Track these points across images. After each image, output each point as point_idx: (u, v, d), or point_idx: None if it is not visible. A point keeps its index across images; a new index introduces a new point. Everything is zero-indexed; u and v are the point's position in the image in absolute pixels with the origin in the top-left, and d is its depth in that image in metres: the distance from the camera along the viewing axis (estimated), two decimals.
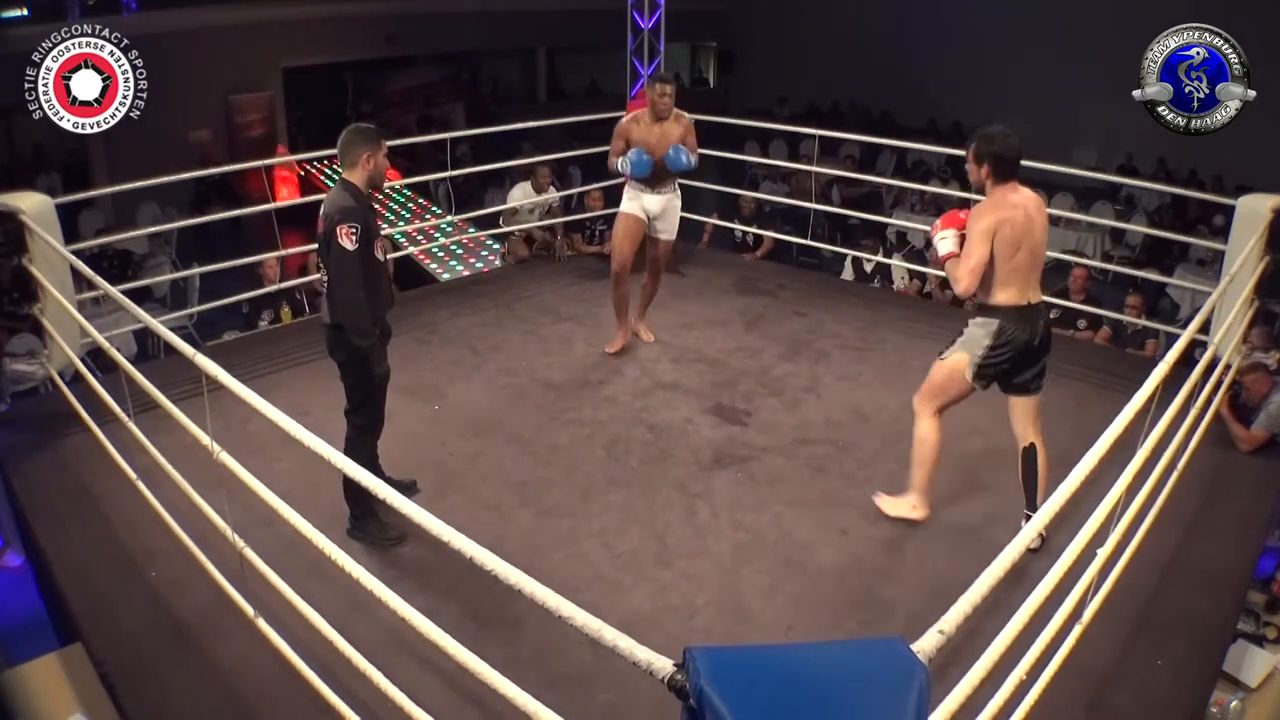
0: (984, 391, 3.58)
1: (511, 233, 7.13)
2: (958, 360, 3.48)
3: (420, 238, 10.22)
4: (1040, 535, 3.25)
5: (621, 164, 4.86)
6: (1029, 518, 3.12)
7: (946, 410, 3.60)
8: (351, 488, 3.41)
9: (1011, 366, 3.44)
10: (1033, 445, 3.57)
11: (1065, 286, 6.32)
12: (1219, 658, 3.22)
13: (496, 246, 8.96)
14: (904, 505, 3.70)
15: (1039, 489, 3.52)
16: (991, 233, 3.25)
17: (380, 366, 3.48)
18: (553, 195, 7.03)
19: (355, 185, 3.39)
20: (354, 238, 3.28)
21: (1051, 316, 6.13)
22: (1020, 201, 3.30)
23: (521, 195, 6.95)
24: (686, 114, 5.02)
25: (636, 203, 5.03)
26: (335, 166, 3.82)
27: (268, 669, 2.83)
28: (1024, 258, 3.31)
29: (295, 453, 2.51)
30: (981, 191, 3.38)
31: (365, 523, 3.51)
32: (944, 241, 3.42)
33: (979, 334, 3.42)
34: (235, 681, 2.88)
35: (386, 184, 3.60)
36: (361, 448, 3.50)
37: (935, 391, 3.58)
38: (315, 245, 3.51)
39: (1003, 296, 3.36)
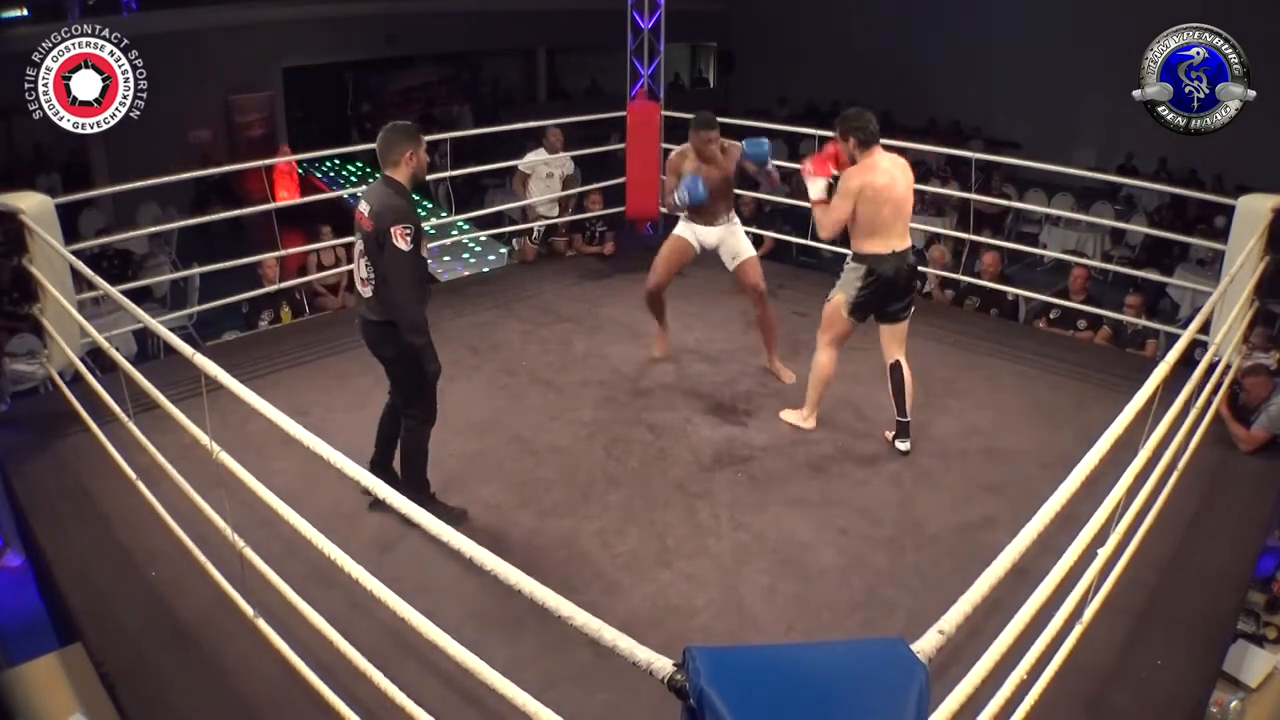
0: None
1: (531, 231, 7.12)
2: (838, 300, 4.16)
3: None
4: (905, 440, 4.20)
5: (678, 198, 4.64)
6: (901, 424, 4.21)
7: (842, 343, 4.28)
8: (412, 480, 3.61)
9: (881, 302, 4.08)
10: (898, 362, 4.20)
11: (1065, 286, 6.31)
12: (1219, 658, 3.22)
13: (499, 246, 8.97)
14: (797, 416, 4.45)
15: (906, 398, 4.18)
16: (856, 193, 3.90)
17: (433, 364, 3.48)
18: (567, 157, 7.05)
19: (399, 183, 3.41)
20: (409, 239, 3.31)
21: (1051, 316, 6.23)
22: (883, 165, 3.93)
23: (540, 157, 6.96)
24: (728, 142, 4.82)
25: (690, 230, 4.87)
26: (335, 166, 3.83)
27: (268, 669, 2.83)
28: (888, 212, 3.93)
29: (295, 453, 2.51)
30: (853, 161, 3.96)
31: (418, 496, 3.54)
32: (814, 187, 4.08)
33: (852, 277, 4.08)
34: (235, 682, 2.88)
35: None
36: (420, 440, 3.63)
37: (825, 327, 4.25)
38: (315, 245, 3.53)
39: (870, 246, 3.99)
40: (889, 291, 4.04)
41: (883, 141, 3.99)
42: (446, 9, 14.85)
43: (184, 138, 12.41)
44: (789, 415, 4.49)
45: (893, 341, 4.18)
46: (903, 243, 4.02)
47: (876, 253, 3.97)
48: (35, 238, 4.34)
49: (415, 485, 3.63)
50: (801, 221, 7.81)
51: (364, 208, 3.43)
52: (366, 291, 3.51)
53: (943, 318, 6.06)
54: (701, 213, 4.78)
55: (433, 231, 9.57)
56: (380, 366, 3.65)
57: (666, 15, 7.47)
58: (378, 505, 3.51)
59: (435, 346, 3.48)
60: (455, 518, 3.62)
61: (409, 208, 3.37)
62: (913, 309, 4.20)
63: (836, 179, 4.01)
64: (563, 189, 7.12)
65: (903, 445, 4.23)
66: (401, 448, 3.69)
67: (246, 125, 13.70)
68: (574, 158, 7.40)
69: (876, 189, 3.89)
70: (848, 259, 4.13)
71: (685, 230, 4.89)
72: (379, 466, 3.73)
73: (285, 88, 14.07)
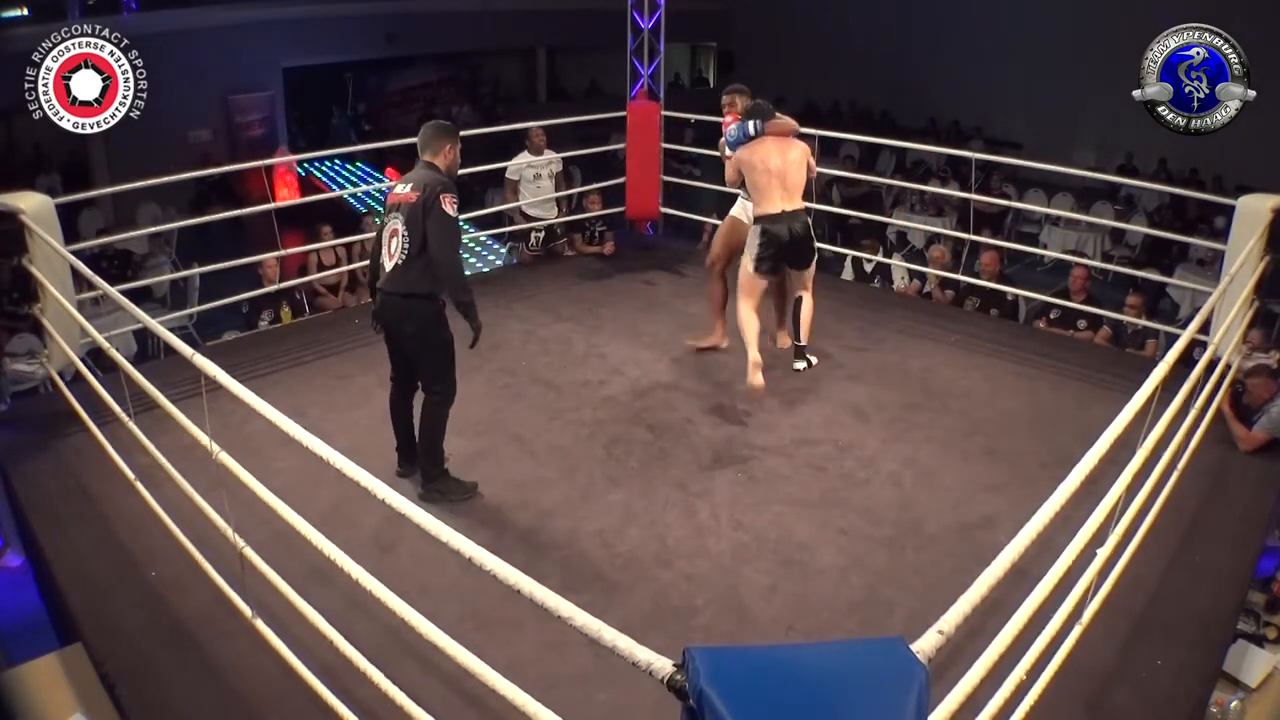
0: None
1: (529, 234, 7.10)
2: (745, 262, 4.65)
3: None
4: (801, 362, 4.74)
5: (730, 136, 4.74)
6: (797, 348, 4.75)
7: (760, 303, 4.71)
8: (430, 452, 3.80)
9: (782, 255, 4.59)
10: (801, 296, 4.72)
11: (1065, 287, 6.31)
12: (1219, 658, 3.22)
13: (498, 247, 8.96)
14: (753, 370, 4.52)
15: (803, 325, 4.71)
16: (739, 162, 4.59)
17: (475, 320, 3.74)
18: (553, 156, 7.02)
19: (439, 168, 3.75)
20: (455, 206, 3.65)
21: (1051, 316, 6.23)
22: (768, 141, 4.55)
23: (524, 160, 6.94)
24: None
25: (744, 210, 4.93)
26: (335, 166, 3.86)
27: (268, 669, 2.83)
28: (773, 181, 4.51)
29: (294, 453, 2.51)
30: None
31: (442, 482, 3.82)
32: (727, 140, 4.73)
33: (752, 240, 4.62)
34: (235, 682, 2.88)
35: (385, 184, 3.67)
36: (441, 415, 3.80)
37: (742, 290, 4.68)
38: (316, 245, 3.54)
39: (760, 209, 4.55)
40: (786, 246, 4.56)
41: (883, 141, 4.07)
42: (446, 9, 14.85)
43: (184, 138, 12.42)
44: (754, 376, 4.47)
45: (799, 283, 4.73)
46: (791, 204, 4.55)
47: (766, 213, 4.54)
48: (35, 238, 4.34)
49: (434, 459, 3.81)
50: None
51: (403, 187, 3.70)
52: (391, 264, 3.66)
53: (943, 318, 6.06)
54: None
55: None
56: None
57: (666, 15, 7.47)
58: (404, 473, 3.94)
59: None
60: (467, 491, 3.84)
61: (453, 183, 3.75)
62: (816, 258, 4.74)
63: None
64: (556, 187, 7.08)
65: (799, 365, 4.74)
66: (422, 420, 3.83)
67: (246, 125, 13.70)
68: (574, 158, 7.40)
69: (761, 159, 4.51)
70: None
71: (739, 209, 5.08)
72: (409, 457, 3.94)
73: (285, 88, 14.08)
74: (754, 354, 4.47)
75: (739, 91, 4.99)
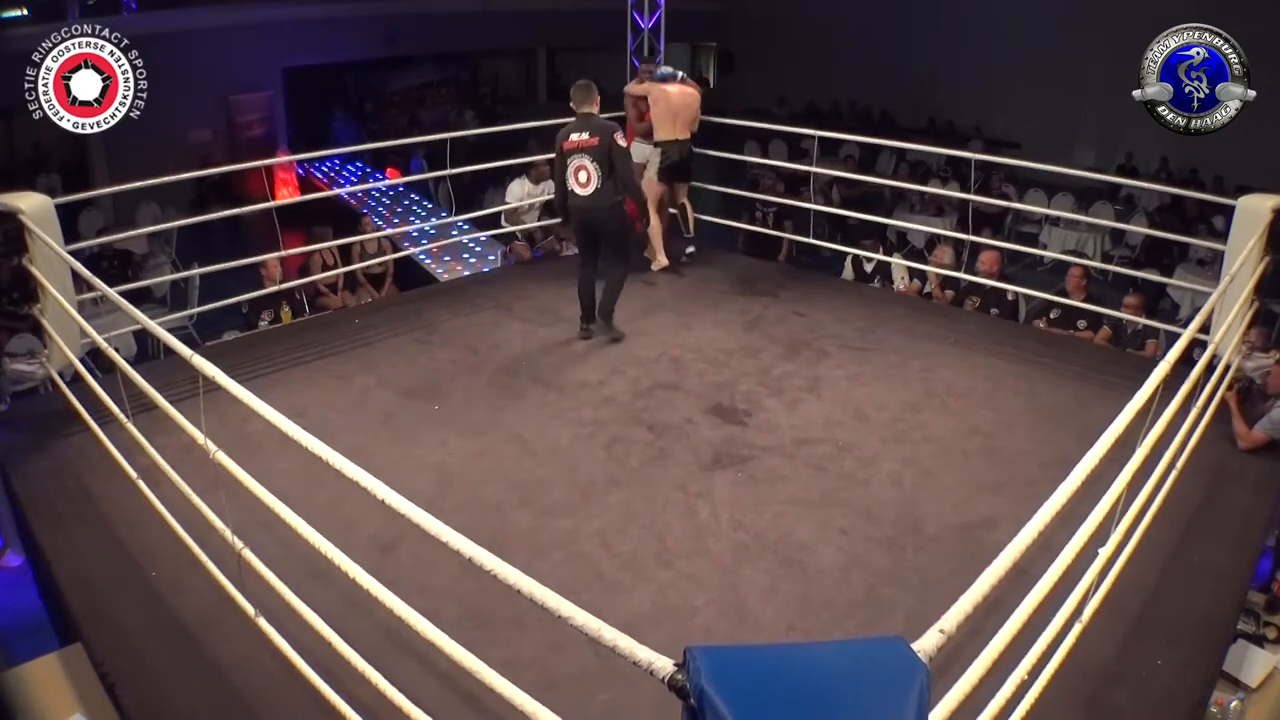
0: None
1: (515, 235, 7.12)
2: (650, 173, 6.36)
3: (420, 238, 10.22)
4: (694, 246, 6.77)
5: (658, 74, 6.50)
6: (688, 248, 6.78)
7: (661, 206, 6.49)
8: (610, 310, 5.45)
9: (674, 170, 6.39)
10: (684, 204, 6.56)
11: (1065, 287, 6.30)
12: (1219, 658, 3.22)
13: (498, 246, 8.95)
14: (654, 257, 6.47)
15: (688, 223, 6.65)
16: (655, 94, 6.38)
17: (645, 218, 6.04)
18: (551, 185, 7.03)
19: (598, 115, 5.32)
20: (624, 139, 5.31)
21: (1051, 316, 6.23)
22: (673, 91, 6.36)
23: (520, 190, 6.94)
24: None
25: (639, 150, 6.35)
26: (335, 167, 3.87)
27: (268, 669, 2.83)
28: (674, 117, 6.29)
29: (294, 453, 2.51)
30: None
31: (614, 328, 5.45)
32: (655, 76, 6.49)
33: (655, 156, 6.37)
34: (235, 682, 2.88)
35: (385, 183, 3.70)
36: (623, 284, 5.47)
37: (649, 194, 6.24)
38: (317, 245, 3.55)
39: (661, 135, 6.34)
40: (678, 163, 6.37)
41: (883, 141, 4.10)
42: (446, 9, 14.85)
43: (184, 138, 12.41)
44: (655, 261, 6.49)
45: (680, 194, 6.55)
46: (683, 134, 6.37)
47: (667, 139, 6.33)
48: (35, 238, 4.33)
49: (610, 315, 5.44)
50: (803, 222, 7.83)
51: (580, 135, 5.20)
52: (589, 190, 5.21)
53: (943, 318, 6.06)
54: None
55: (433, 231, 9.61)
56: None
57: (666, 15, 7.47)
58: (588, 332, 5.48)
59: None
60: (617, 339, 5.41)
61: (617, 125, 5.32)
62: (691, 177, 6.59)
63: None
64: (544, 212, 7.14)
65: (690, 250, 6.73)
66: (607, 291, 5.42)
67: (246, 125, 13.70)
68: None
69: (669, 103, 6.32)
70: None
71: (636, 152, 6.29)
72: (590, 318, 5.48)
73: (285, 87, 14.08)
74: (661, 259, 6.49)
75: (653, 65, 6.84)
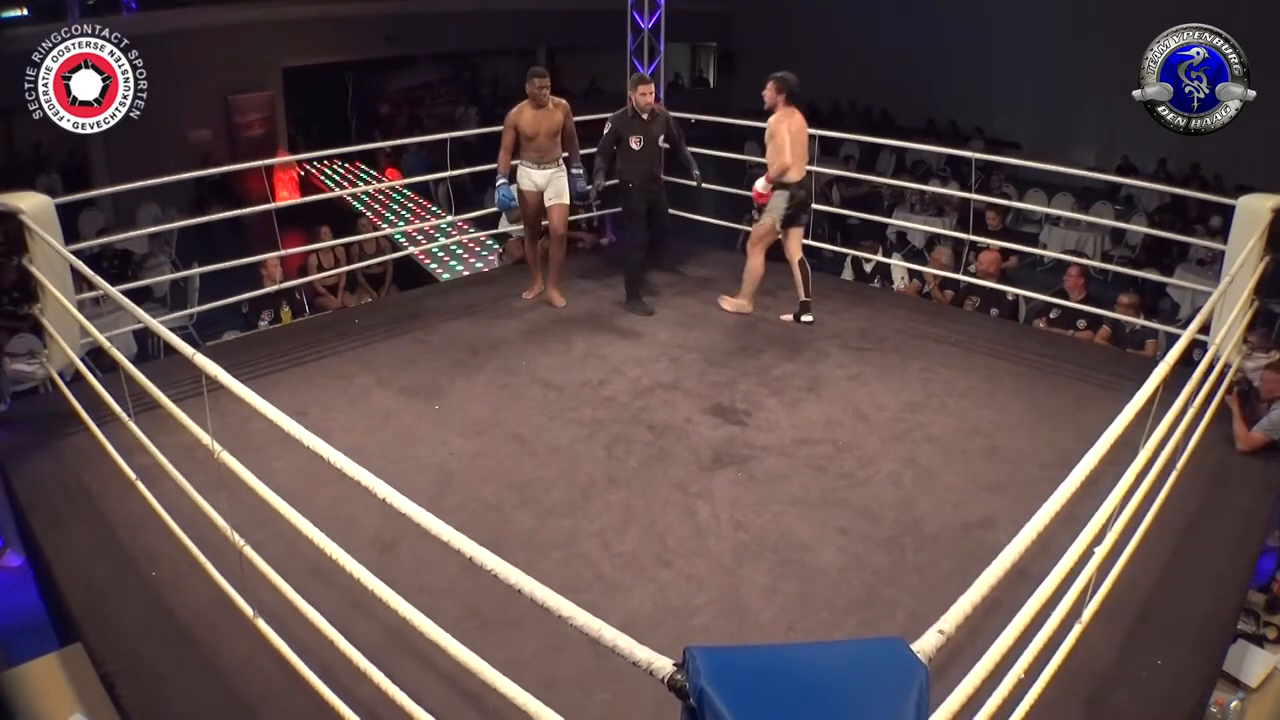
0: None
1: (509, 234, 7.13)
2: (770, 220, 5.65)
3: (420, 238, 10.23)
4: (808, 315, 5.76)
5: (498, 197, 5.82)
6: (806, 304, 5.75)
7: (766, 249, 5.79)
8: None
9: (795, 214, 5.71)
10: (803, 259, 5.76)
11: (1064, 287, 6.31)
12: (1219, 658, 3.22)
13: (496, 247, 8.96)
14: (738, 303, 5.90)
15: (807, 283, 5.77)
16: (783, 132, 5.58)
17: (697, 174, 6.26)
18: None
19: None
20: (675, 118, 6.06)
21: (1051, 316, 6.24)
22: (796, 115, 5.72)
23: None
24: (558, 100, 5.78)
25: (528, 178, 5.79)
26: (334, 166, 3.88)
27: (268, 669, 2.83)
28: (800, 150, 5.62)
29: (294, 452, 2.51)
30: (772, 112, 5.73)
31: (634, 302, 5.93)
32: (759, 184, 5.68)
33: (779, 202, 5.60)
34: (235, 681, 2.88)
35: (385, 184, 3.70)
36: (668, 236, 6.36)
37: (758, 239, 5.75)
38: (316, 245, 3.55)
39: (791, 176, 5.59)
40: (801, 206, 5.71)
41: (883, 141, 4.08)
42: (446, 9, 14.86)
43: (184, 138, 12.42)
44: (731, 304, 5.92)
45: (796, 243, 5.77)
46: (803, 173, 5.68)
47: (795, 181, 5.63)
48: (35, 238, 4.33)
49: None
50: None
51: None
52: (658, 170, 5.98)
53: (943, 318, 6.06)
54: (538, 155, 5.73)
55: (433, 232, 9.62)
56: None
57: (666, 15, 7.48)
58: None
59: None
60: (647, 313, 5.85)
61: (665, 110, 6.03)
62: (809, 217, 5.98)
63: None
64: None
65: (807, 318, 5.75)
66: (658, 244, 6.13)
67: (246, 125, 13.71)
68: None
69: (794, 130, 5.66)
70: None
71: (524, 180, 5.80)
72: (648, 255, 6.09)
73: (285, 87, 14.08)
74: (750, 305, 5.93)
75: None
